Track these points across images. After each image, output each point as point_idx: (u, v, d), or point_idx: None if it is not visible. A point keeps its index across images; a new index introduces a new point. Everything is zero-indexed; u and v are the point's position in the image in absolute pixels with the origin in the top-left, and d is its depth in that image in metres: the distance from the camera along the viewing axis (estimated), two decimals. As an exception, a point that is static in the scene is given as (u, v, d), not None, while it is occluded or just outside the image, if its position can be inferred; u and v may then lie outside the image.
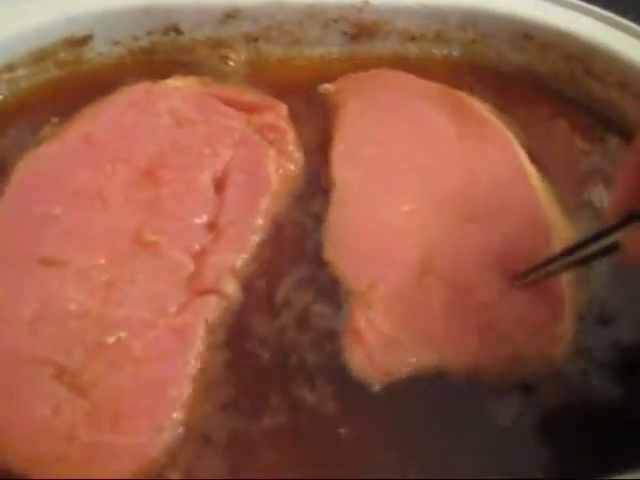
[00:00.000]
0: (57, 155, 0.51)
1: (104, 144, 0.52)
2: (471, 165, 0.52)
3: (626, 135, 0.56)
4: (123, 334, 0.43)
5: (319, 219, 0.50)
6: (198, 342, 0.43)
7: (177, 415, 0.41)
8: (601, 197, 0.53)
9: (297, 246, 0.49)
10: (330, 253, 0.48)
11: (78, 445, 0.39)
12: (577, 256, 0.43)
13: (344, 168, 0.52)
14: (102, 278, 0.45)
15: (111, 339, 0.43)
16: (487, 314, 0.44)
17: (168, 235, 0.48)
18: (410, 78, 0.58)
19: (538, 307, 0.45)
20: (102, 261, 0.46)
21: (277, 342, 0.44)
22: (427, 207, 0.50)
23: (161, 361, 0.42)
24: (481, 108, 0.57)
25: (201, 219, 0.49)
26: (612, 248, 0.41)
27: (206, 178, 0.51)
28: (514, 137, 0.55)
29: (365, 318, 0.44)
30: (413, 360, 0.43)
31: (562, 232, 0.49)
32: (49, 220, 0.47)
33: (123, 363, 0.42)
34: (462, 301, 0.45)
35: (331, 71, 0.60)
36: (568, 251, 0.44)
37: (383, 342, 0.43)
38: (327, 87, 0.58)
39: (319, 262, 0.47)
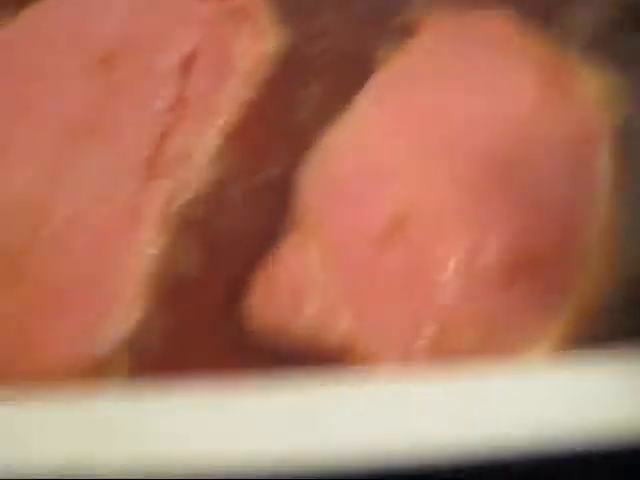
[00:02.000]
0: (8, 37, 0.47)
1: (54, 28, 0.47)
2: (525, 138, 0.42)
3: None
4: (65, 221, 0.39)
5: (297, 106, 0.44)
6: (151, 226, 0.38)
7: (128, 300, 0.36)
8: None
9: (265, 143, 0.43)
10: (304, 171, 0.41)
11: (15, 332, 0.35)
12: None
13: (368, 95, 0.44)
14: (48, 160, 0.41)
15: (51, 226, 0.38)
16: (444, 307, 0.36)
17: (124, 117, 0.43)
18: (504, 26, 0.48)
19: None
20: (46, 145, 0.42)
21: (228, 234, 0.38)
22: (439, 164, 0.41)
23: (109, 247, 0.38)
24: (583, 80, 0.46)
25: (161, 103, 0.44)
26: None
27: (169, 61, 0.46)
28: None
29: (292, 255, 0.37)
30: (324, 329, 0.35)
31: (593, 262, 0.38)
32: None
33: (67, 249, 0.38)
34: (424, 281, 0.36)
35: None
36: None
37: (299, 292, 0.36)
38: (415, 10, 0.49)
39: (285, 165, 0.41)
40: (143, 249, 0.38)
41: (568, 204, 0.40)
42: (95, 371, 0.34)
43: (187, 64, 0.46)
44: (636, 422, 0.29)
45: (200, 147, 0.42)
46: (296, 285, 0.36)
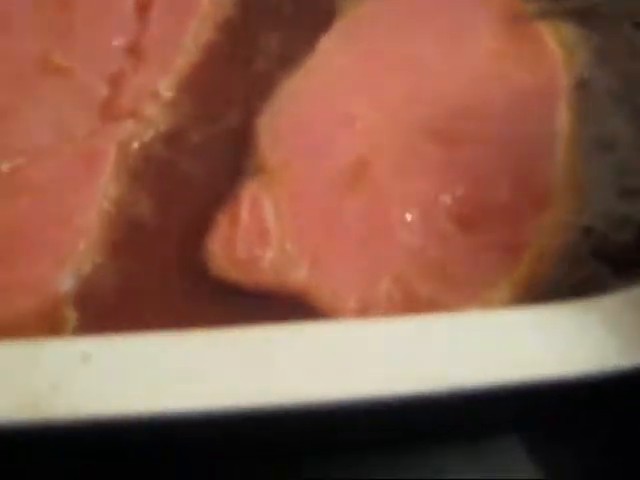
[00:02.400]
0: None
1: None
2: (487, 86, 0.42)
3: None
4: (21, 161, 0.37)
5: (257, 49, 0.43)
6: (109, 169, 0.37)
7: (83, 246, 0.35)
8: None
9: (225, 87, 0.42)
10: (265, 116, 0.40)
11: None
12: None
13: (332, 41, 0.44)
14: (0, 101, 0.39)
15: (6, 167, 0.37)
16: (406, 261, 0.35)
17: (80, 57, 0.42)
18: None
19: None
20: (1, 84, 0.39)
21: (186, 179, 0.38)
22: (403, 112, 0.40)
23: (65, 189, 0.37)
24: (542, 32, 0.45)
25: (119, 41, 0.43)
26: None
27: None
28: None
29: (251, 201, 0.36)
30: (283, 277, 0.34)
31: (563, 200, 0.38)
32: None
33: (20, 192, 0.36)
34: (382, 230, 0.36)
35: None
36: None
37: (258, 238, 0.35)
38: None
39: (245, 110, 0.40)
40: (99, 191, 0.37)
41: (528, 153, 0.40)
42: (45, 320, 0.33)
43: (145, 3, 0.45)
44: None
45: (159, 88, 0.41)
46: (255, 231, 0.35)
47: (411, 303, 0.35)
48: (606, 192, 0.40)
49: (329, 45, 0.44)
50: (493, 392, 0.29)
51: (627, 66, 0.45)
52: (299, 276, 0.34)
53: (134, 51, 0.43)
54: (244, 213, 0.35)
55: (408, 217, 0.36)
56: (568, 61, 0.44)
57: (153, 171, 0.38)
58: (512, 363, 0.29)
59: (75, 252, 0.35)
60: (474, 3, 0.47)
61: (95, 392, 0.27)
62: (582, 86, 0.43)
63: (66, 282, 0.34)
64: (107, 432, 0.27)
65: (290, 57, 0.43)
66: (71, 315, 0.33)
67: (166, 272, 0.35)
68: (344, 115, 0.39)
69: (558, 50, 0.45)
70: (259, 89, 0.41)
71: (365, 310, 0.34)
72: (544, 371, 0.29)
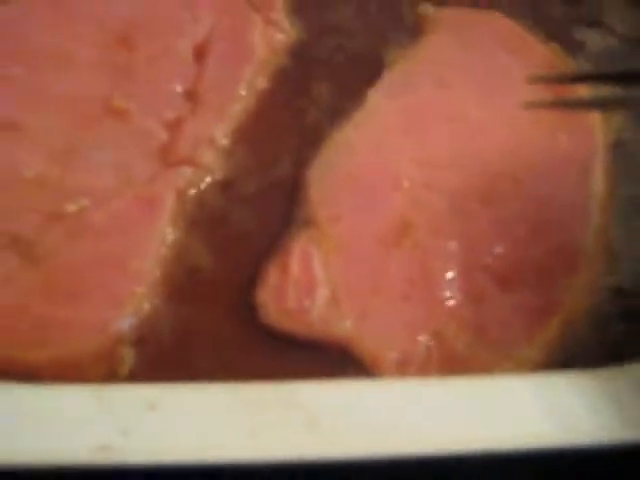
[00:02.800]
0: (17, 15, 0.46)
1: (74, 5, 0.47)
2: (526, 146, 0.44)
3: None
4: (84, 203, 0.39)
5: (309, 100, 0.46)
6: (167, 215, 0.39)
7: (141, 289, 0.37)
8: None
9: (279, 133, 0.44)
10: (315, 168, 0.42)
11: (30, 318, 0.36)
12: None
13: (380, 95, 0.46)
14: (63, 144, 0.41)
15: (71, 208, 0.39)
16: (445, 317, 0.37)
17: (140, 102, 0.44)
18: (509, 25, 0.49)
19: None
20: (64, 126, 0.42)
21: (239, 227, 0.40)
22: (446, 172, 0.42)
23: (125, 233, 0.39)
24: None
25: (178, 87, 0.45)
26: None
27: (185, 44, 0.47)
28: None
29: (301, 252, 0.38)
30: (330, 327, 0.36)
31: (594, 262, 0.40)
32: (6, 81, 0.43)
33: (83, 234, 0.38)
34: (427, 289, 0.37)
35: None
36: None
37: (307, 289, 0.37)
38: (428, 8, 0.51)
39: (296, 160, 0.42)
40: (158, 236, 0.38)
41: (562, 214, 0.42)
42: (104, 359, 0.35)
43: (202, 49, 0.47)
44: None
45: (216, 135, 0.43)
46: (304, 282, 0.37)
47: (447, 358, 0.36)
48: (637, 252, 0.41)
49: (377, 98, 0.46)
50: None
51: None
52: (345, 327, 0.36)
53: (191, 96, 0.45)
54: (294, 265, 0.37)
55: (449, 275, 0.38)
56: (605, 122, 0.46)
57: (208, 218, 0.40)
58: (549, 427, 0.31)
59: (133, 294, 0.37)
60: (513, 57, 0.48)
61: (163, 438, 0.29)
62: (618, 147, 0.45)
63: (124, 323, 0.36)
64: (175, 477, 0.29)
65: (340, 108, 0.45)
66: (128, 355, 0.35)
67: (219, 317, 0.37)
68: (391, 172, 0.41)
69: (595, 111, 0.46)
70: (310, 140, 0.43)
71: (405, 362, 0.36)
72: (576, 438, 0.31)
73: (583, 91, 0.45)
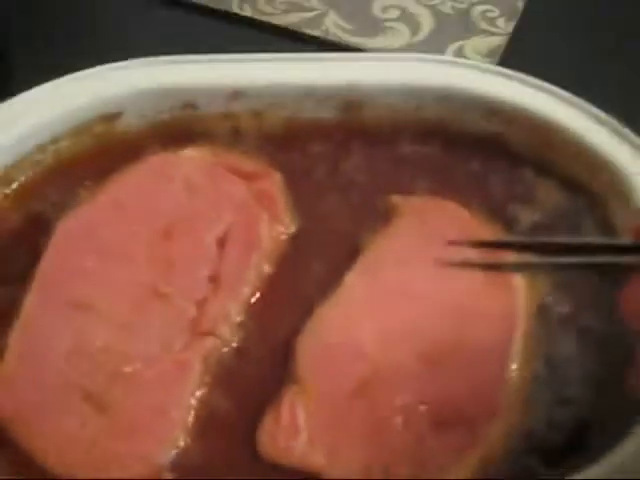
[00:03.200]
0: (90, 216, 0.62)
1: (129, 207, 0.63)
2: (463, 316, 0.57)
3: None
4: (137, 366, 0.53)
5: (306, 278, 0.60)
6: (196, 374, 0.54)
7: (178, 433, 0.51)
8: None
9: (278, 312, 0.58)
10: (302, 338, 0.56)
11: (99, 452, 0.50)
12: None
13: (355, 275, 0.59)
14: (123, 320, 0.56)
15: (128, 369, 0.53)
16: (393, 453, 0.50)
17: (178, 287, 0.58)
18: (460, 212, 0.63)
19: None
20: (124, 306, 0.57)
21: (249, 383, 0.55)
22: (401, 341, 0.55)
23: (166, 388, 0.53)
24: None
25: (204, 273, 0.59)
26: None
27: (211, 238, 0.61)
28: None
29: (289, 404, 0.52)
30: (307, 461, 0.50)
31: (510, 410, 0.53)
32: (82, 271, 0.58)
33: (137, 388, 0.52)
34: (380, 432, 0.51)
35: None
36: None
37: (293, 432, 0.51)
38: (397, 198, 0.65)
39: (292, 331, 0.56)
40: (189, 391, 0.54)
41: (486, 371, 0.56)
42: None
43: (223, 240, 0.62)
44: None
45: (231, 313, 0.58)
46: (291, 427, 0.51)
47: (394, 482, 0.51)
48: (547, 401, 0.55)
49: (352, 276, 0.60)
50: None
51: (580, 293, 0.60)
52: (319, 461, 0.51)
53: (214, 280, 0.59)
54: (284, 413, 0.52)
55: (396, 420, 0.53)
56: (529, 287, 0.59)
57: (227, 376, 0.54)
58: None
59: (172, 434, 0.51)
60: (462, 236, 0.61)
61: None
62: (540, 312, 0.58)
63: (165, 455, 0.51)
64: None
65: (328, 286, 0.59)
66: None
67: (233, 450, 0.51)
68: (356, 342, 0.56)
69: (520, 279, 0.60)
70: (303, 312, 0.57)
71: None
72: None
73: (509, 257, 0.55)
